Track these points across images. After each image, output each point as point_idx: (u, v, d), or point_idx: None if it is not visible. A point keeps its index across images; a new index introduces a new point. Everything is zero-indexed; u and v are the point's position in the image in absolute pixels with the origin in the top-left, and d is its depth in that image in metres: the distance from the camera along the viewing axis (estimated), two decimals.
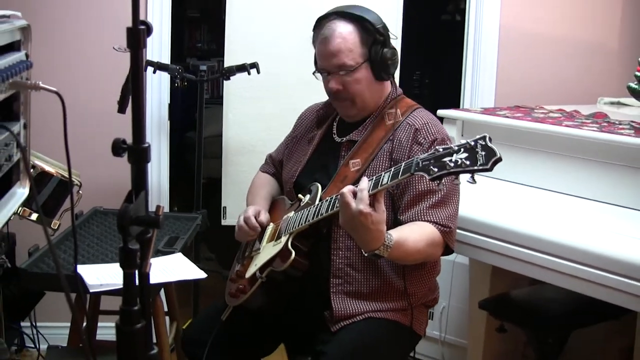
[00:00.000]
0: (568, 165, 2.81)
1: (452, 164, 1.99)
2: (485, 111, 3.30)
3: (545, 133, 2.88)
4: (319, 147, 2.69)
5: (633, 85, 2.76)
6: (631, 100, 3.43)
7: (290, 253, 2.40)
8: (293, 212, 2.55)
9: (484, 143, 1.96)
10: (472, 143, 1.98)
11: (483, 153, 1.95)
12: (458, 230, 2.87)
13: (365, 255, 2.25)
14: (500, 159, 1.94)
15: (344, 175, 2.50)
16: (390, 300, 2.49)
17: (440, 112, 3.20)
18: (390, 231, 2.24)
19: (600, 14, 4.18)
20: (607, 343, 3.51)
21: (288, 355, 2.71)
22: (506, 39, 4.10)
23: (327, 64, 2.51)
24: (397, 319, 2.50)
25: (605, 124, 2.95)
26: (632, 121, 2.95)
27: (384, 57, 2.47)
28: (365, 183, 2.14)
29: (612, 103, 3.69)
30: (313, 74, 2.58)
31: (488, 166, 1.95)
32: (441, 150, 2.02)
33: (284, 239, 2.47)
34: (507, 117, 3.10)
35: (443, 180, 2.05)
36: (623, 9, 4.19)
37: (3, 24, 2.02)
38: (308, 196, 2.54)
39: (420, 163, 2.05)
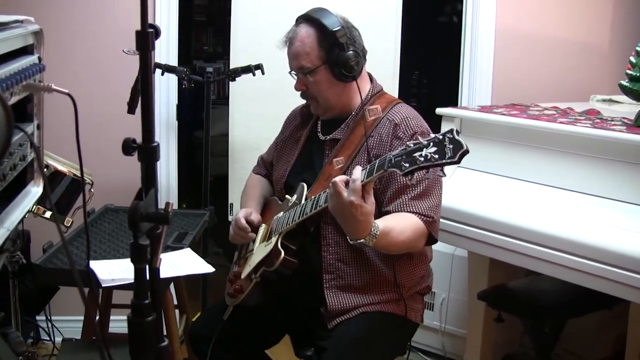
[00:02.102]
0: (562, 160, 2.84)
1: (422, 159, 2.02)
2: (482, 109, 3.34)
3: (540, 130, 2.91)
4: (305, 146, 2.73)
5: (624, 83, 2.79)
6: (623, 98, 3.46)
7: (280, 253, 2.43)
8: (282, 212, 2.59)
9: (451, 136, 1.99)
10: (440, 137, 2.01)
11: (451, 146, 1.98)
12: (457, 224, 2.94)
13: (351, 243, 2.27)
14: (467, 151, 1.97)
15: (328, 173, 2.53)
16: (382, 292, 2.52)
17: (438, 110, 3.23)
18: (377, 221, 2.26)
19: (592, 16, 4.21)
20: (601, 332, 3.55)
21: (293, 345, 2.74)
22: (502, 39, 4.13)
23: (291, 65, 2.58)
24: (390, 310, 2.52)
25: (598, 120, 2.98)
26: (624, 117, 2.98)
27: (343, 59, 2.47)
28: (358, 173, 2.15)
29: (604, 100, 3.73)
30: (289, 73, 2.62)
31: (456, 159, 1.98)
32: (412, 145, 2.05)
33: (274, 239, 2.50)
34: (504, 114, 3.13)
35: (424, 173, 2.10)
36: (614, 11, 4.22)
37: (17, 28, 2.05)
38: (295, 196, 2.57)
39: (393, 159, 2.08)
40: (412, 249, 2.47)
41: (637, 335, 3.10)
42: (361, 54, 2.55)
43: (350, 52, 2.49)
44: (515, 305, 3.14)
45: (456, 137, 1.99)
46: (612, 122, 2.91)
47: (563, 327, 3.16)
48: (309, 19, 2.54)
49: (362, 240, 2.23)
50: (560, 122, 2.91)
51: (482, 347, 3.46)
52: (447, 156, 1.99)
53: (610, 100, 3.73)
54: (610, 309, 3.05)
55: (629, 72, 2.79)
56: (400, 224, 2.37)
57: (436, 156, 2.01)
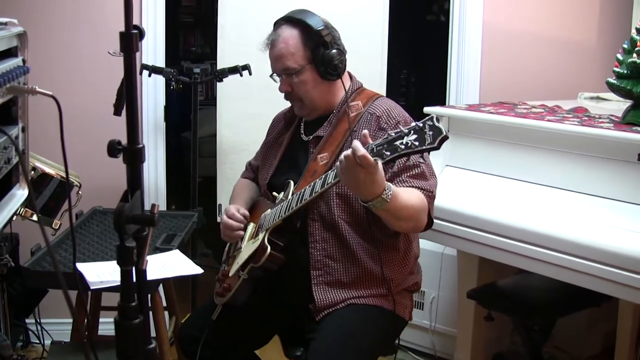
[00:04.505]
0: (550, 158, 2.85)
1: (402, 146, 2.05)
2: (470, 108, 3.33)
3: (528, 128, 2.92)
4: (288, 148, 2.73)
5: (612, 80, 2.80)
6: (610, 95, 3.45)
7: (266, 248, 2.44)
8: (270, 209, 2.60)
9: (431, 123, 2.02)
10: (421, 124, 2.04)
11: (430, 133, 2.01)
12: (446, 223, 2.94)
13: (366, 205, 2.25)
14: (446, 137, 2.01)
15: (314, 170, 2.54)
16: (370, 287, 2.52)
17: (426, 109, 3.21)
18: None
19: (580, 13, 4.24)
20: (590, 329, 3.57)
21: (282, 345, 2.74)
22: (489, 38, 4.14)
23: (274, 67, 2.58)
24: (379, 303, 2.52)
25: (585, 118, 2.99)
26: (611, 115, 2.99)
27: (328, 58, 2.49)
28: (361, 148, 2.11)
29: (592, 98, 3.74)
30: (270, 76, 2.62)
31: (435, 144, 2.01)
32: (393, 134, 2.08)
33: (261, 236, 2.52)
34: (491, 113, 3.13)
35: (405, 160, 2.12)
36: (601, 9, 4.24)
37: (0, 30, 2.05)
38: (282, 193, 2.59)
39: (375, 149, 2.10)
40: (417, 221, 2.42)
41: (626, 332, 3.11)
42: (344, 52, 2.56)
43: (335, 50, 2.51)
44: (505, 304, 3.15)
45: (436, 124, 2.02)
46: (600, 120, 2.93)
47: (553, 325, 3.18)
48: (290, 20, 2.56)
49: (374, 201, 2.21)
50: (548, 120, 2.92)
51: (472, 345, 3.47)
52: (426, 142, 2.03)
53: (598, 98, 3.74)
54: (599, 306, 3.07)
55: (616, 69, 2.79)
56: (407, 190, 2.37)
57: (416, 143, 2.04)
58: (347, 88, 2.63)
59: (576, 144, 2.77)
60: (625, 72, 2.75)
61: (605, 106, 3.50)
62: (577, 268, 2.55)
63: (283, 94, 2.64)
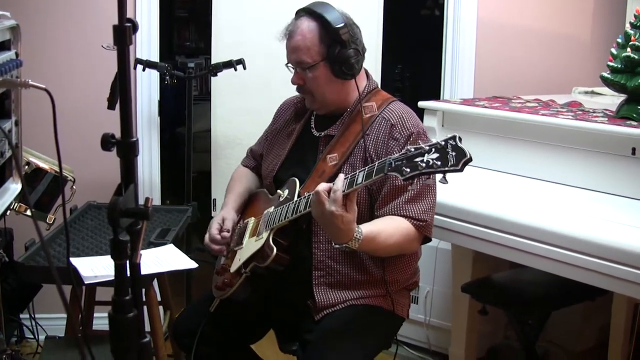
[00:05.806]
0: (544, 152, 2.85)
1: (423, 165, 1.98)
2: (465, 102, 3.33)
3: (522, 122, 2.92)
4: (297, 141, 2.69)
5: (606, 75, 2.80)
6: (604, 90, 3.47)
7: (272, 249, 2.41)
8: (273, 207, 2.55)
9: (454, 143, 1.95)
10: (443, 143, 1.97)
11: (453, 154, 1.95)
12: (441, 217, 2.93)
13: (335, 246, 2.27)
14: (470, 159, 1.94)
15: (322, 170, 2.51)
16: (371, 288, 2.52)
17: (421, 103, 3.23)
18: (362, 226, 2.25)
19: (574, 8, 4.25)
20: (584, 323, 3.58)
21: (278, 341, 2.73)
22: (484, 32, 4.14)
23: (289, 58, 2.54)
24: (378, 303, 2.52)
25: (580, 112, 2.99)
26: (606, 109, 3.00)
27: (344, 57, 2.44)
28: (340, 183, 2.13)
29: (586, 92, 3.76)
30: (286, 65, 2.58)
31: (459, 167, 1.94)
32: (413, 150, 2.01)
33: (265, 235, 2.48)
34: (486, 107, 3.13)
35: (424, 179, 2.08)
36: (595, 3, 4.25)
37: None
38: (287, 191, 2.54)
39: (393, 163, 2.04)
40: (404, 251, 2.48)
41: (620, 327, 3.13)
42: (361, 52, 2.52)
43: (351, 50, 2.46)
44: (499, 298, 3.14)
45: (459, 144, 1.95)
46: (594, 114, 2.93)
47: (547, 319, 3.19)
48: (311, 12, 2.50)
49: (345, 245, 2.23)
50: (543, 114, 2.92)
51: (466, 339, 3.46)
52: (449, 164, 1.96)
53: (592, 92, 3.74)
54: (593, 300, 3.07)
55: (610, 63, 2.80)
56: (388, 229, 2.36)
57: (438, 163, 1.97)
58: (362, 87, 2.59)
59: (570, 138, 2.77)
60: (620, 66, 2.76)
61: (599, 100, 3.51)
62: (571, 262, 2.54)
63: (295, 86, 2.60)
